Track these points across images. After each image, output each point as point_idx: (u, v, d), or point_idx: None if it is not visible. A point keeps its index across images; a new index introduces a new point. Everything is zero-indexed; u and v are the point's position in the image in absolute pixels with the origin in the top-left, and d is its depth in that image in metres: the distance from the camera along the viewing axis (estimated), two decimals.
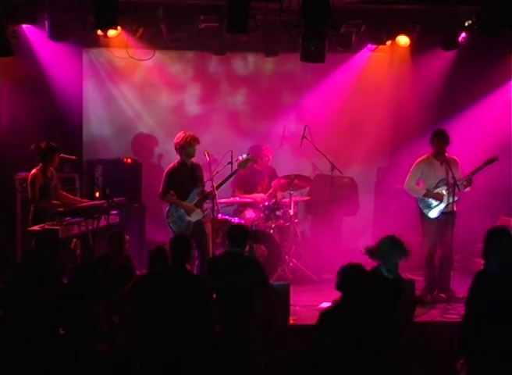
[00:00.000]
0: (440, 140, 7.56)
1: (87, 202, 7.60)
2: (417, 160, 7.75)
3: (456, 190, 7.48)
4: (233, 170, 7.80)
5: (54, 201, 7.41)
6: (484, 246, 5.17)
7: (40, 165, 7.46)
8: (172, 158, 7.87)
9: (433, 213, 7.62)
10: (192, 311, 5.10)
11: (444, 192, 7.55)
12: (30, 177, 7.42)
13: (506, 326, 4.79)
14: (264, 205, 8.47)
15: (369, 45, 8.66)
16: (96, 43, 8.58)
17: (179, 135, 7.61)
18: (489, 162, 7.54)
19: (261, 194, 8.69)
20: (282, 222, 8.45)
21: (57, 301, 4.84)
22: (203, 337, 5.12)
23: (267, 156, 8.79)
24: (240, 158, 7.90)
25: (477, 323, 4.90)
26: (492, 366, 4.66)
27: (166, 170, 7.67)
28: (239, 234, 6.02)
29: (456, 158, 7.68)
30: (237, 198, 8.75)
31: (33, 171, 7.42)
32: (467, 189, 7.60)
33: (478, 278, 5.05)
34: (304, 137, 8.48)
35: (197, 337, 5.07)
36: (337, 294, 7.02)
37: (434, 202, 7.61)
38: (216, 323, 5.46)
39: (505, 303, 4.86)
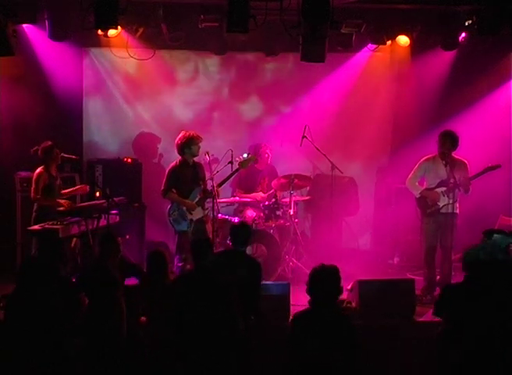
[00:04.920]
0: (445, 141, 7.51)
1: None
2: (422, 159, 7.76)
3: (457, 191, 7.49)
4: (234, 169, 7.82)
5: (57, 200, 7.43)
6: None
7: (44, 165, 7.47)
8: (172, 158, 7.88)
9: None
10: (217, 310, 5.12)
11: (440, 193, 7.56)
12: (35, 176, 7.42)
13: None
14: (264, 205, 8.47)
15: (369, 45, 8.66)
16: (96, 42, 8.58)
17: (181, 135, 7.62)
18: (491, 168, 7.51)
19: (261, 193, 8.71)
20: (282, 221, 8.44)
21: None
22: (229, 334, 5.15)
23: (266, 153, 8.78)
24: (241, 157, 7.91)
25: None
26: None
27: (169, 168, 7.69)
28: (243, 234, 6.02)
29: (465, 161, 7.62)
30: (237, 198, 8.76)
31: (39, 170, 7.44)
32: (468, 193, 7.57)
33: None
34: (303, 136, 8.48)
35: (223, 335, 5.11)
36: None
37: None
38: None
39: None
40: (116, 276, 5.67)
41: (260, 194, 8.69)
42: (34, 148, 7.51)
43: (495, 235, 4.93)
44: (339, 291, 4.71)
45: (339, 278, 4.70)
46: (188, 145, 7.56)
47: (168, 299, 5.45)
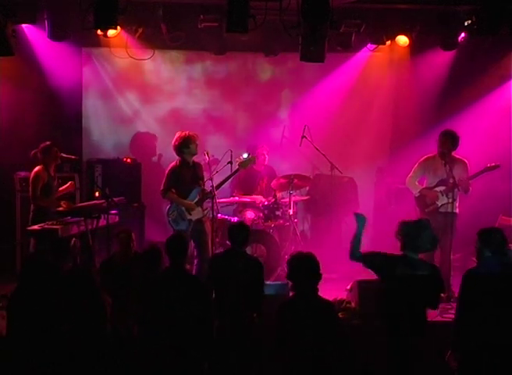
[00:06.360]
0: (445, 140, 7.53)
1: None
2: (422, 158, 7.77)
3: (456, 191, 7.49)
4: (234, 170, 7.82)
5: (54, 201, 7.42)
6: (477, 246, 5.11)
7: (43, 164, 7.46)
8: (172, 158, 7.87)
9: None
10: (190, 310, 5.11)
11: (439, 192, 7.56)
12: (32, 175, 7.39)
13: (497, 324, 4.81)
14: (263, 205, 8.48)
15: (369, 45, 8.66)
16: (96, 43, 8.58)
17: (177, 136, 7.61)
18: (490, 168, 7.53)
19: (261, 197, 8.69)
20: (281, 221, 8.44)
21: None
22: (202, 336, 5.12)
23: (262, 154, 8.80)
24: (241, 157, 7.91)
25: (469, 322, 4.91)
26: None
27: (168, 168, 7.69)
28: (242, 234, 5.95)
29: (465, 160, 7.63)
30: (236, 198, 8.75)
31: (37, 169, 7.41)
32: (467, 193, 7.58)
33: (468, 277, 5.04)
34: (303, 136, 8.49)
35: (196, 337, 5.07)
36: (336, 293, 7.08)
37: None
38: (215, 320, 5.46)
39: (496, 301, 4.87)
40: (96, 281, 5.60)
41: (259, 198, 8.68)
42: (33, 152, 7.50)
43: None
44: (317, 276, 4.99)
45: (316, 263, 5.02)
46: (186, 144, 7.55)
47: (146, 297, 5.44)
